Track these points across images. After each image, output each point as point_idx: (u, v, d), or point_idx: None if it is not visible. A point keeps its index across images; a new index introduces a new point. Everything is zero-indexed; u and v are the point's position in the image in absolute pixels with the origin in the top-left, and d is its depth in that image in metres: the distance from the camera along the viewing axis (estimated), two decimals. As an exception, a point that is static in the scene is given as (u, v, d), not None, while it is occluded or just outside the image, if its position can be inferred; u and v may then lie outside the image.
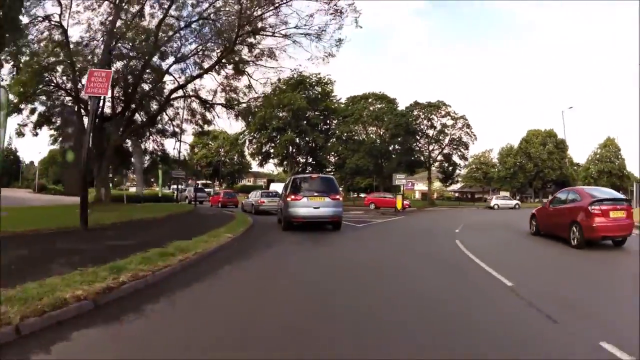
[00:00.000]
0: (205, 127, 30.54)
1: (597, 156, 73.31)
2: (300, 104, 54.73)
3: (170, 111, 29.91)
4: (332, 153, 61.97)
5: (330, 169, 66.10)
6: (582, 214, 11.54)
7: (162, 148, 30.50)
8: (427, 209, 40.24)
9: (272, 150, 61.84)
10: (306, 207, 14.88)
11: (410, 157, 60.45)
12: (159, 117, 28.12)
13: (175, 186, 44.38)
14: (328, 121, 63.41)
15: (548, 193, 75.81)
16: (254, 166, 76.92)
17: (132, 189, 52.12)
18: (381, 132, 61.05)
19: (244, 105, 27.11)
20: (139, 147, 25.83)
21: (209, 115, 30.03)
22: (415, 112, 59.26)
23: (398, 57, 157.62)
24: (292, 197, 15.10)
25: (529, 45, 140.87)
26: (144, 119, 26.32)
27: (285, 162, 61.60)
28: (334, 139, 61.65)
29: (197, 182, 55.77)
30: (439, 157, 62.23)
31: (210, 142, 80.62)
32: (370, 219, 24.14)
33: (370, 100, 62.64)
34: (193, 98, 28.03)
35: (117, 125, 24.30)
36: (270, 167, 67.36)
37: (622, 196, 13.66)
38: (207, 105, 27.94)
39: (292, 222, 15.21)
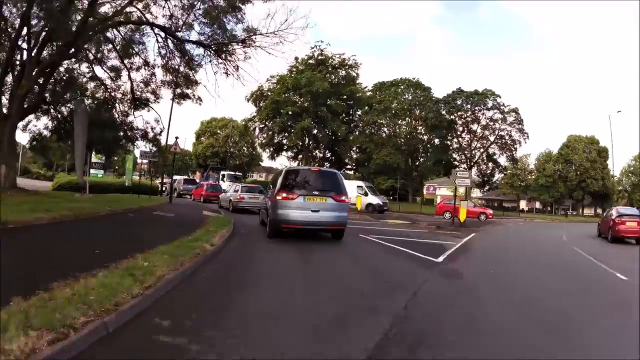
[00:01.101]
0: (190, 92, 21.36)
1: (631, 169, 67.27)
2: (321, 86, 45.65)
3: (143, 72, 21.15)
4: (355, 148, 52.48)
5: (351, 167, 57.08)
6: (612, 223, 18.89)
7: (124, 119, 21.55)
8: (485, 221, 30.42)
9: (285, 142, 52.99)
10: (302, 209, 11.14)
11: (448, 155, 51.02)
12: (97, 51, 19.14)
13: (172, 177, 36.22)
14: (352, 111, 54.08)
15: (583, 207, 72.46)
16: (265, 160, 69.08)
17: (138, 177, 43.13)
18: (415, 124, 51.50)
19: (238, 48, 17.51)
20: (80, 108, 16.87)
21: (194, 77, 20.99)
22: (459, 102, 49.35)
23: (419, 63, 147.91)
24: (284, 195, 11.26)
25: (557, 49, 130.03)
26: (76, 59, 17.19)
27: (300, 156, 52.33)
28: (358, 132, 52.31)
29: (223, 171, 45.14)
30: (482, 157, 52.74)
31: (218, 131, 72.53)
32: (431, 237, 15.20)
33: (401, 87, 53.25)
34: (169, 41, 18.81)
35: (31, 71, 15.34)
36: (284, 162, 58.31)
37: (637, 212, 19.90)
38: (180, 46, 18.68)
39: (282, 228, 11.42)
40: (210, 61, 17.98)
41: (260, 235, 12.15)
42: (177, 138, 23.15)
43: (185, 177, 47.19)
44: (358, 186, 33.49)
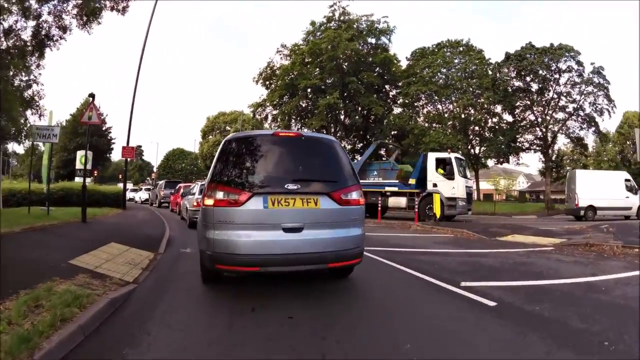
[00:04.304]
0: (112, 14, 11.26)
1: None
2: (347, 48, 34.78)
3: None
4: (394, 132, 40.48)
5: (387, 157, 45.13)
6: None
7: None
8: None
9: (305, 130, 41.87)
10: (262, 227, 4.96)
11: (519, 134, 39.29)
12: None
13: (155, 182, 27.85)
14: (385, 88, 42.57)
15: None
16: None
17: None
18: (472, 99, 39.07)
19: None
20: None
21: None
22: (531, 58, 37.05)
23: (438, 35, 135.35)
24: (219, 196, 5.06)
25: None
26: None
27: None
28: (398, 110, 40.73)
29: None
30: (557, 135, 39.99)
31: (227, 127, 62.82)
32: None
33: (448, 53, 41.07)
34: None
35: None
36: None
37: None
38: None
39: (218, 270, 5.19)
40: None
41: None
42: (92, 97, 12.05)
43: (168, 179, 36.54)
44: (626, 180, 23.59)
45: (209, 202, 5.07)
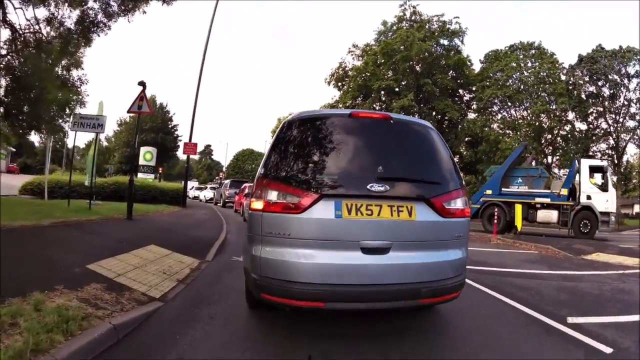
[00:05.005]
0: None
1: None
2: (422, 47, 33.73)
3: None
4: (468, 138, 38.38)
5: (461, 164, 42.49)
6: None
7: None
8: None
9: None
10: (335, 246, 3.33)
11: (592, 142, 37.98)
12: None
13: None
14: (461, 90, 41.31)
15: None
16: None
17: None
18: (546, 105, 36.59)
19: None
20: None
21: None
22: (603, 61, 35.20)
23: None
24: (272, 197, 3.52)
25: None
26: None
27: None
28: (472, 116, 38.82)
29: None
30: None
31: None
32: None
33: (521, 56, 39.71)
34: None
35: None
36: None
37: None
38: None
39: (267, 301, 3.50)
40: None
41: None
42: (142, 85, 11.24)
43: (234, 179, 36.35)
44: None
45: (257, 205, 3.64)
